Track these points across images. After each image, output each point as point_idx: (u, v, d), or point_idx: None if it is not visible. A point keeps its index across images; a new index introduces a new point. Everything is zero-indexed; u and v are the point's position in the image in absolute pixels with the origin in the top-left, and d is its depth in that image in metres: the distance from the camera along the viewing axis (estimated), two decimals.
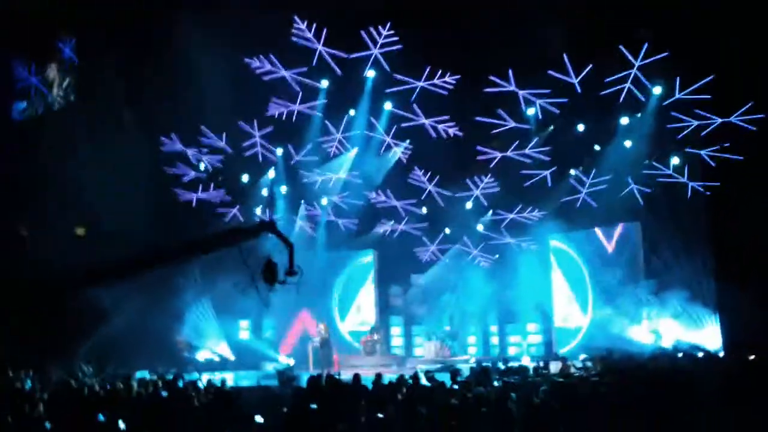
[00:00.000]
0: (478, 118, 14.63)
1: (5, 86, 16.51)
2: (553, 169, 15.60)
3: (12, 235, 15.41)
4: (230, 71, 14.19)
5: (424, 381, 8.68)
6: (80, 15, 14.84)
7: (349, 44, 14.08)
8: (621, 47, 13.16)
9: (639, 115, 14.44)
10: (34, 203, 15.03)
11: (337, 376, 9.33)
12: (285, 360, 16.50)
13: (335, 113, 15.78)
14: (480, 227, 17.56)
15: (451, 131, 15.17)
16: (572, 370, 10.98)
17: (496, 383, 8.38)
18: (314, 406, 7.11)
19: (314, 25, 13.67)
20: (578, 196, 16.01)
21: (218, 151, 16.33)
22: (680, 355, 11.60)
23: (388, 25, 13.45)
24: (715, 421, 5.85)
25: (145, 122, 15.17)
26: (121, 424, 6.91)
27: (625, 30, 13.18)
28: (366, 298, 18.48)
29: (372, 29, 13.59)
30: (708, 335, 13.89)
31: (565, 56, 13.38)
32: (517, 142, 15.24)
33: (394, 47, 13.84)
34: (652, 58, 13.17)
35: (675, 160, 14.63)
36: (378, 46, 13.91)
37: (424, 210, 17.49)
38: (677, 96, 13.65)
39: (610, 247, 16.18)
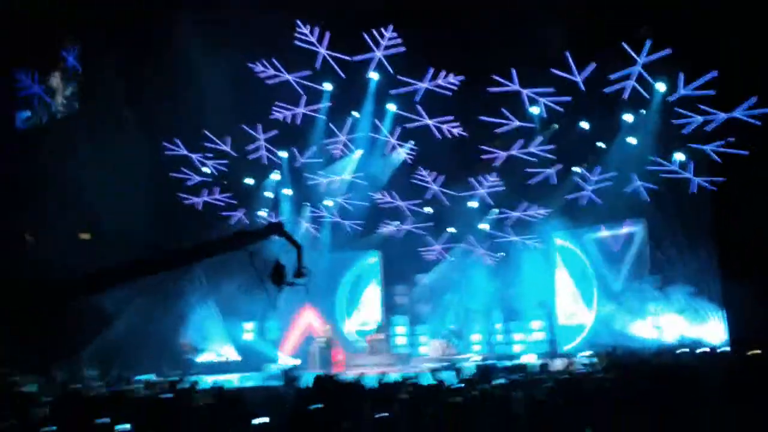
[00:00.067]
0: (481, 118, 14.59)
1: (7, 91, 16.54)
2: (558, 167, 15.57)
3: (12, 235, 15.43)
4: (232, 73, 14.18)
5: (429, 379, 8.68)
6: (80, 16, 14.86)
7: (352, 46, 14.05)
8: (624, 44, 13.10)
9: (643, 112, 14.41)
10: (34, 204, 15.04)
11: (339, 377, 9.33)
12: (290, 360, 16.52)
13: (339, 115, 15.75)
14: (485, 226, 17.54)
15: (455, 131, 15.16)
16: (576, 366, 10.97)
17: (500, 381, 8.36)
18: (318, 405, 7.11)
19: (317, 29, 13.64)
20: (583, 194, 15.97)
21: (222, 154, 16.36)
22: (684, 350, 11.56)
23: (390, 27, 13.43)
24: (720, 416, 5.82)
25: (146, 123, 15.18)
26: (126, 427, 6.91)
27: (627, 27, 13.15)
28: (371, 298, 18.53)
29: (374, 31, 13.58)
30: (712, 330, 13.86)
31: (567, 54, 13.35)
32: (522, 141, 15.19)
33: (397, 49, 13.82)
34: (655, 55, 13.14)
35: (679, 156, 14.59)
36: (381, 47, 13.91)
37: (429, 210, 17.48)
38: (681, 92, 13.62)
39: (614, 244, 16.15)
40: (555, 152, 15.27)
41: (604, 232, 16.33)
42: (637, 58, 13.26)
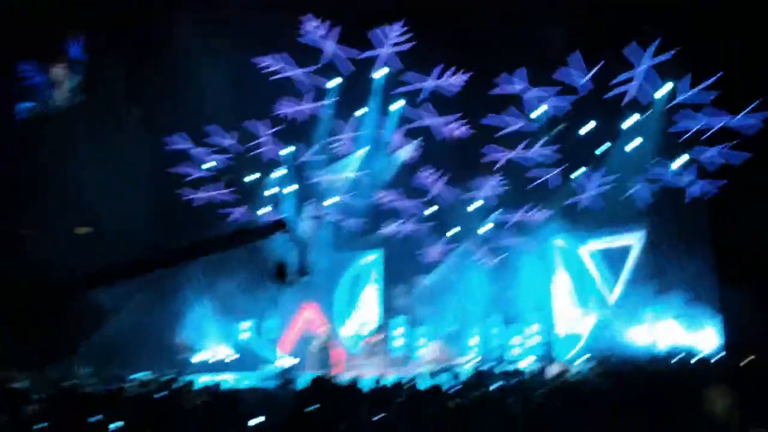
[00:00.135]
0: (485, 120, 14.68)
1: (7, 86, 16.49)
2: (560, 169, 15.65)
3: (12, 235, 15.39)
4: (234, 70, 14.21)
5: (427, 382, 8.67)
6: (81, 14, 14.85)
7: (357, 43, 14.12)
8: (626, 47, 13.17)
9: (644, 115, 14.46)
10: (34, 203, 15.01)
11: (337, 378, 9.32)
12: (288, 360, 16.47)
13: (343, 112, 15.84)
14: (485, 227, 17.55)
15: (459, 131, 15.18)
16: (571, 372, 10.96)
17: (497, 384, 8.36)
18: (315, 406, 7.09)
19: (324, 24, 13.67)
20: (583, 197, 16.03)
21: (223, 150, 16.33)
22: (676, 359, 11.56)
23: (396, 24, 13.48)
24: (717, 421, 5.82)
25: (147, 121, 15.19)
26: (119, 425, 6.88)
27: (630, 31, 13.20)
28: (370, 299, 18.50)
29: (378, 29, 13.63)
30: (708, 337, 13.88)
31: (570, 56, 13.39)
32: (525, 142, 15.27)
33: (404, 46, 13.88)
34: (657, 59, 13.18)
35: (680, 161, 14.63)
36: (387, 45, 13.93)
37: (431, 210, 17.50)
38: (682, 97, 13.66)
39: (613, 249, 16.18)
40: (558, 153, 15.35)
41: (604, 240, 16.34)
42: (639, 62, 13.32)
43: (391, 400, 7.25)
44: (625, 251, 16.01)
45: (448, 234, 17.92)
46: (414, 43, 13.77)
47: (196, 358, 16.55)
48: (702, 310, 14.06)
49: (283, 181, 17.23)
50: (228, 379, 12.81)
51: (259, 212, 17.44)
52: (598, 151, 15.38)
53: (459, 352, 16.81)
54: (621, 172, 15.18)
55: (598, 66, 13.40)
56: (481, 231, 17.57)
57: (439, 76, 14.19)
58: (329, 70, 14.65)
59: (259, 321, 18.22)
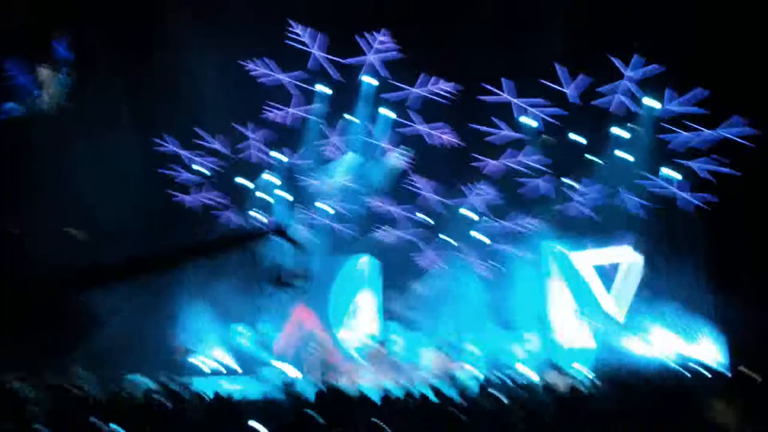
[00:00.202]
0: (476, 126, 14.77)
1: None
2: (552, 178, 15.73)
3: (5, 234, 15.31)
4: (226, 74, 14.29)
5: (424, 390, 8.65)
6: (73, 13, 14.85)
7: (346, 49, 14.22)
8: (614, 59, 13.34)
9: (634, 126, 14.55)
10: (28, 203, 14.96)
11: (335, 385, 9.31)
12: (286, 367, 16.39)
13: (333, 118, 15.93)
14: (479, 235, 17.55)
15: (449, 138, 15.24)
16: (566, 382, 10.95)
17: (496, 391, 8.35)
18: (313, 412, 7.07)
19: (308, 30, 13.79)
20: (576, 206, 16.11)
21: (214, 153, 16.33)
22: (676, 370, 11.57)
23: (383, 30, 13.60)
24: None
25: (141, 122, 15.22)
26: (117, 429, 6.87)
27: (618, 42, 13.29)
28: (366, 305, 18.43)
29: (367, 34, 13.74)
30: (705, 348, 13.90)
31: (558, 67, 13.46)
32: (520, 152, 15.35)
33: (392, 53, 13.99)
34: (645, 68, 13.30)
35: (670, 172, 14.71)
36: (373, 51, 14.04)
37: (423, 216, 17.49)
38: (670, 108, 13.77)
39: (606, 259, 16.18)
40: (549, 164, 15.44)
41: (597, 251, 16.36)
42: (627, 73, 13.45)
43: (389, 408, 7.25)
44: (618, 262, 16.03)
45: (445, 238, 17.92)
46: (406, 49, 13.86)
47: (192, 362, 16.49)
48: (698, 320, 14.08)
49: (274, 185, 17.23)
50: (225, 383, 12.79)
51: (251, 214, 17.44)
52: (589, 160, 15.43)
53: (457, 360, 16.77)
54: (614, 181, 15.25)
55: (588, 78, 13.50)
56: (474, 235, 17.57)
57: (426, 84, 14.28)
58: (320, 75, 14.73)
59: (257, 324, 18.18)
